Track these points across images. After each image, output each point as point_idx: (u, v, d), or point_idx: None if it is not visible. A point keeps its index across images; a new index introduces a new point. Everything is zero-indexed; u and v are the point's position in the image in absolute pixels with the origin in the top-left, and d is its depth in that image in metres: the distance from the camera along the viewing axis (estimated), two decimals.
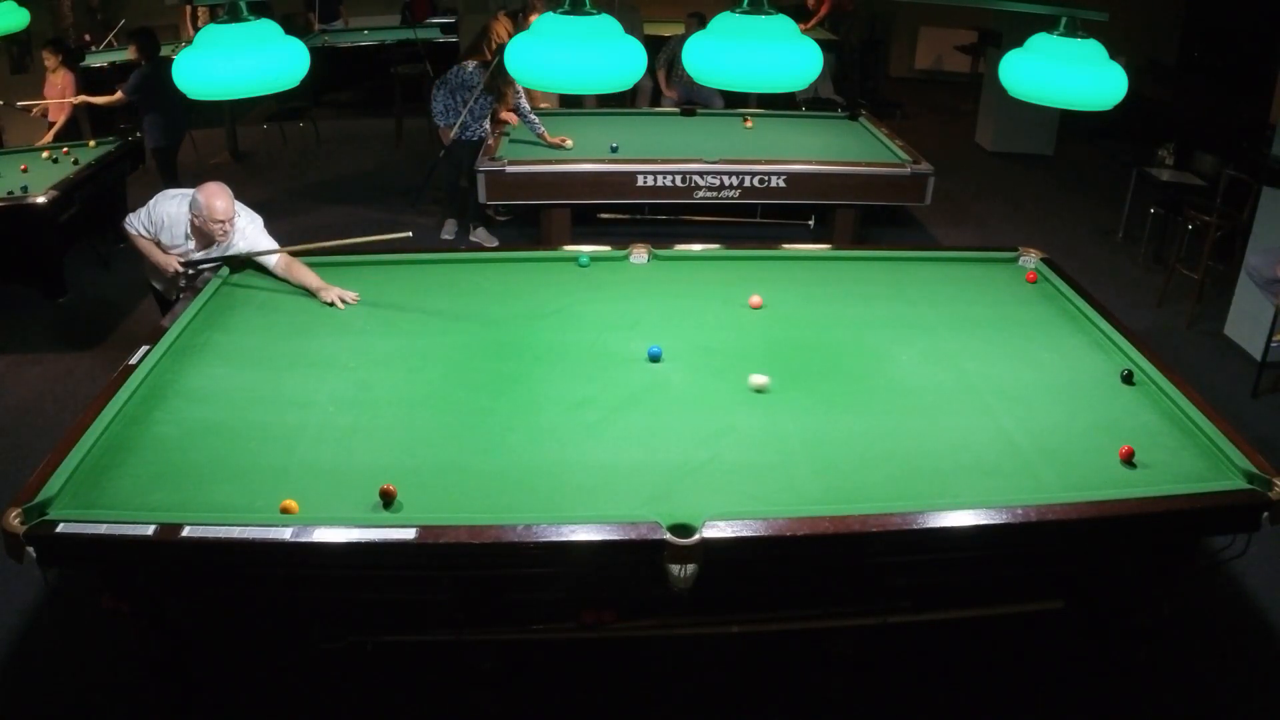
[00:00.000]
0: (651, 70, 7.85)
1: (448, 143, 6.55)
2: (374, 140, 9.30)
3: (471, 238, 6.87)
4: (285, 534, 2.41)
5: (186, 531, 2.41)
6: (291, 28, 7.68)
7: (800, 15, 9.79)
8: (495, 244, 6.77)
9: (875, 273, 4.19)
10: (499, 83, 6.29)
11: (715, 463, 2.83)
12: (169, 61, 6.44)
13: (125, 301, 5.80)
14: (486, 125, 6.55)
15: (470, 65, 6.39)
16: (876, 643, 3.13)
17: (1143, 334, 4.09)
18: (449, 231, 6.95)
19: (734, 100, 7.71)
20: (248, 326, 3.61)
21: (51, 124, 6.84)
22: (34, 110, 6.85)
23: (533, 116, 6.35)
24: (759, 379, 3.17)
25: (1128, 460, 2.81)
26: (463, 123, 6.44)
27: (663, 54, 7.91)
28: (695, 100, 7.77)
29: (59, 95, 6.91)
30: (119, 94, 6.54)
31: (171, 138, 6.68)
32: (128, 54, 6.59)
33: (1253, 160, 5.88)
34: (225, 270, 3.98)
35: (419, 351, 3.44)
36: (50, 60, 6.89)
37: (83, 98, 6.82)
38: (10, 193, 5.39)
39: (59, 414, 4.49)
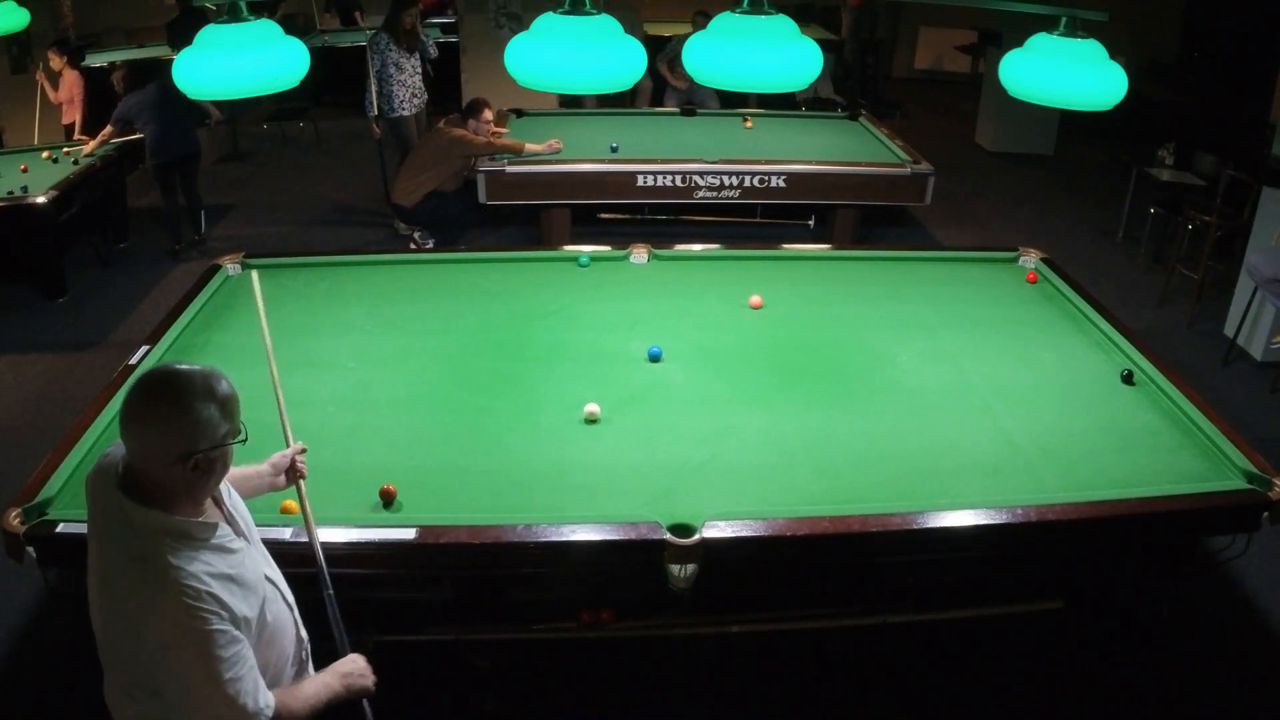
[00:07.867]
0: (652, 68, 7.86)
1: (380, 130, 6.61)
2: (374, 140, 9.26)
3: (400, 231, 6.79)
4: (285, 534, 2.42)
5: None
6: (292, 28, 7.67)
7: (800, 16, 9.78)
8: (430, 245, 6.42)
9: (875, 273, 4.19)
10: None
11: (715, 463, 2.83)
12: (161, 80, 6.39)
13: (125, 301, 5.79)
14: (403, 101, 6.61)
15: (384, 38, 6.41)
16: (876, 643, 3.13)
17: (1143, 334, 4.09)
18: (424, 239, 6.59)
19: (734, 100, 7.71)
20: (248, 326, 3.60)
21: (69, 125, 6.83)
22: (76, 137, 6.73)
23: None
24: (591, 407, 3.02)
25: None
26: (381, 101, 6.51)
27: (667, 50, 7.93)
28: (694, 100, 7.77)
29: (68, 95, 6.96)
30: (108, 128, 6.30)
31: (160, 155, 6.29)
32: (115, 82, 6.35)
33: (1253, 160, 5.88)
34: (227, 269, 3.98)
35: (419, 351, 3.44)
36: (56, 61, 6.89)
37: (102, 133, 6.48)
38: (10, 193, 5.40)
39: (59, 414, 4.48)
